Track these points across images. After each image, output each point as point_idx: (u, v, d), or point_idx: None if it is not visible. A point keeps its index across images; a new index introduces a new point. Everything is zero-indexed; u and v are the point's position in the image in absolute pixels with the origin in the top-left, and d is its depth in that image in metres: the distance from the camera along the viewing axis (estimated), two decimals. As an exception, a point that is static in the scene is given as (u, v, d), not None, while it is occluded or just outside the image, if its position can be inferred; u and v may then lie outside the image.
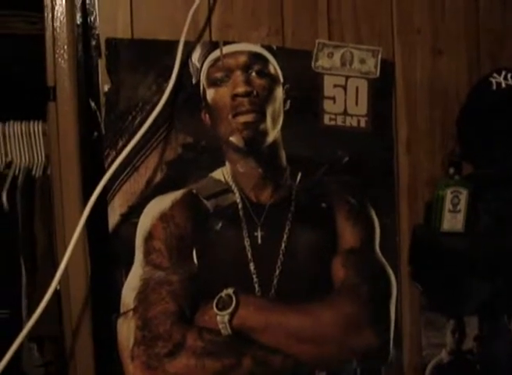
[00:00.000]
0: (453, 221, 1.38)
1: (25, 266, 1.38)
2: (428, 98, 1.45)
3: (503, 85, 1.38)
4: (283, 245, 1.34)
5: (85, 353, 1.28)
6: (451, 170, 1.39)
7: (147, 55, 1.26)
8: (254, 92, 1.31)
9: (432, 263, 1.41)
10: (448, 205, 1.37)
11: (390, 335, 1.41)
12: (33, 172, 1.41)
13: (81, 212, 1.18)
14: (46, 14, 1.24)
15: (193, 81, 1.30)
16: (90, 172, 1.23)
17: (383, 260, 1.42)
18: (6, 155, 1.51)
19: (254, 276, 1.32)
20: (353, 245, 1.40)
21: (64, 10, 1.23)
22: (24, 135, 1.49)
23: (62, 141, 1.24)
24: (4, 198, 1.38)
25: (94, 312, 1.26)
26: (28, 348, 1.38)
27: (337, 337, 1.35)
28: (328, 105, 1.38)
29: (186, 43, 1.28)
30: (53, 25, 1.23)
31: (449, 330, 1.46)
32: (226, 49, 1.32)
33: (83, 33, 1.23)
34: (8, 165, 1.50)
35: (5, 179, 1.43)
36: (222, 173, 1.33)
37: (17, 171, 1.47)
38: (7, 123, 1.50)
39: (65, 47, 1.22)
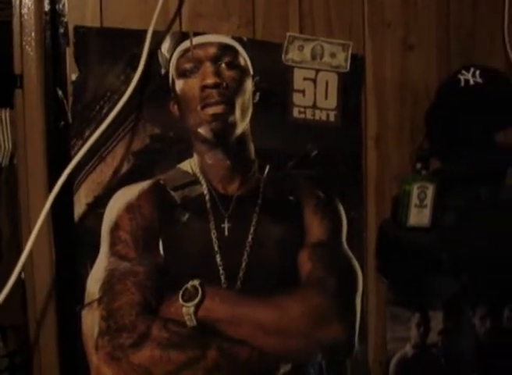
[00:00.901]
0: (419, 216, 1.39)
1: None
2: (398, 93, 1.46)
3: (471, 82, 1.39)
4: (250, 237, 1.33)
5: (49, 343, 1.27)
6: (418, 165, 1.40)
7: (116, 44, 1.24)
8: (224, 84, 1.30)
9: (397, 258, 1.43)
10: (414, 200, 1.38)
11: (356, 329, 1.41)
12: (0, 160, 1.40)
13: (46, 201, 1.19)
14: (14, 0, 1.23)
15: (162, 72, 1.29)
16: (56, 161, 1.21)
17: (350, 254, 1.42)
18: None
19: (221, 268, 1.31)
20: (320, 239, 1.39)
21: (31, -2, 1.22)
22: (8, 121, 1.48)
23: (28, 130, 1.22)
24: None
25: (59, 302, 1.24)
26: (-8, 337, 1.38)
27: (303, 329, 1.35)
28: (297, 98, 1.38)
29: (156, 33, 1.26)
30: (20, 12, 1.21)
31: (413, 324, 1.48)
32: (196, 40, 1.30)
33: (52, 20, 1.21)
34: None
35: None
36: (189, 165, 1.32)
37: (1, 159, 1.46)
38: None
39: (33, 34, 1.20)
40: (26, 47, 1.22)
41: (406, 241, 1.39)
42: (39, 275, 1.25)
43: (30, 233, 1.18)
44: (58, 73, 1.22)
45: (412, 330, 1.48)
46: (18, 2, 1.22)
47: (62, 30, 1.23)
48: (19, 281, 1.25)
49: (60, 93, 1.22)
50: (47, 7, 1.21)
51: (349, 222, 1.43)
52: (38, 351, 1.28)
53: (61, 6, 1.22)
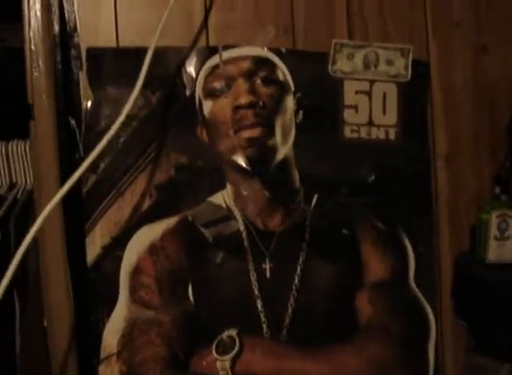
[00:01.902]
0: (500, 250, 1.16)
1: (18, 299, 1.28)
2: (472, 103, 1.23)
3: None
4: (297, 279, 1.15)
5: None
6: (497, 189, 1.17)
7: (134, 65, 1.08)
8: (260, 103, 1.13)
9: (478, 298, 1.20)
10: (494, 232, 1.15)
11: (429, 382, 1.22)
12: (15, 195, 1.31)
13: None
14: (24, 24, 1.13)
15: (187, 93, 1.14)
16: (71, 197, 1.10)
17: (419, 294, 1.21)
18: (10, 177, 1.43)
19: (262, 314, 1.14)
20: (382, 278, 1.19)
21: (40, 18, 1.10)
22: (28, 154, 1.40)
23: (42, 164, 1.12)
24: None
25: (79, 356, 1.13)
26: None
27: (363, 385, 1.17)
28: (349, 115, 1.19)
29: (179, 49, 1.13)
30: (29, 35, 1.11)
31: (502, 378, 1.25)
32: (226, 54, 1.15)
33: (62, 43, 1.10)
34: (12, 187, 1.41)
35: (3, 203, 1.34)
36: (222, 197, 1.16)
37: (19, 194, 1.38)
38: (10, 142, 1.41)
39: (41, 59, 1.09)
40: (35, 73, 1.11)
41: (485, 280, 1.17)
42: (58, 326, 1.13)
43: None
44: (71, 101, 1.11)
45: (500, 384, 1.25)
46: (27, 26, 1.12)
47: (73, 53, 1.11)
48: (43, 329, 1.16)
49: (73, 122, 1.10)
50: (56, 28, 1.11)
51: (417, 257, 1.21)
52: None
53: (72, 26, 1.11)
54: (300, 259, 1.17)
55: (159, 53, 1.11)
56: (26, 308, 1.27)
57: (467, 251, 1.23)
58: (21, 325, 1.28)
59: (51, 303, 1.12)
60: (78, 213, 1.10)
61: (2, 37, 1.45)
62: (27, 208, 1.31)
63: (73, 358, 1.12)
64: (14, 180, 1.40)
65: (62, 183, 1.10)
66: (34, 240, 1.21)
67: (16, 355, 1.28)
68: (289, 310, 1.15)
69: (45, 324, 1.14)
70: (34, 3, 1.10)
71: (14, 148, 1.38)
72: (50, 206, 0.95)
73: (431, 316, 1.22)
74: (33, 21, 1.10)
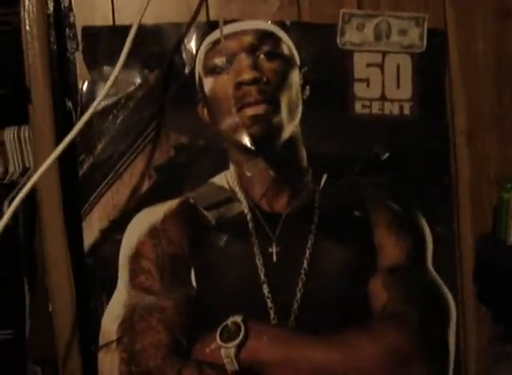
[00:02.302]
0: (522, 232, 1.08)
1: (28, 284, 1.27)
2: (494, 74, 1.15)
3: None
4: (305, 263, 1.10)
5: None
6: (520, 166, 1.09)
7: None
8: (264, 78, 1.08)
9: (500, 284, 1.12)
10: (516, 212, 1.07)
11: (449, 373, 1.14)
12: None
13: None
14: (20, 5, 1.09)
15: (187, 70, 1.09)
16: (68, 181, 1.08)
17: (438, 279, 1.14)
18: (23, 161, 1.42)
19: (269, 300, 1.09)
20: (398, 261, 1.13)
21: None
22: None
23: (40, 146, 1.08)
24: (5, 209, 1.28)
25: (81, 342, 1.10)
26: (33, 371, 1.28)
27: (378, 374, 1.11)
28: (360, 89, 1.12)
29: (178, 25, 1.08)
30: (24, 16, 1.08)
31: (529, 367, 1.16)
32: (227, 29, 1.09)
33: (57, 22, 1.06)
34: (25, 171, 1.40)
35: (15, 188, 1.34)
36: (225, 178, 1.11)
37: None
38: (22, 128, 1.40)
39: (36, 40, 1.07)
40: (31, 55, 1.08)
41: (507, 262, 1.09)
42: (61, 311, 1.10)
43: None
44: (67, 82, 1.08)
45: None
46: (22, 6, 1.10)
47: (69, 32, 1.08)
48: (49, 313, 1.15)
49: (69, 104, 1.07)
50: (50, 7, 1.07)
51: (435, 239, 1.14)
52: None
53: (66, 5, 1.08)
54: (309, 243, 1.11)
55: (156, 30, 1.08)
56: (35, 294, 1.27)
57: (489, 232, 1.16)
58: (30, 309, 1.28)
59: (53, 289, 1.09)
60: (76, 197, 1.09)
61: (8, 20, 1.43)
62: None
63: (76, 343, 1.10)
64: (27, 165, 1.40)
65: (60, 165, 1.08)
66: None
67: (26, 338, 1.28)
68: (298, 295, 1.10)
69: (50, 309, 1.13)
70: (29, -18, 1.08)
71: (26, 133, 1.37)
72: (45, 165, 0.95)
73: (451, 303, 1.14)
74: (27, 1, 1.08)
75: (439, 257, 1.14)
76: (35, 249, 1.27)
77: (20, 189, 1.27)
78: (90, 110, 0.95)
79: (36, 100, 1.08)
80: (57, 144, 1.05)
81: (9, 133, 1.39)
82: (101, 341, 1.07)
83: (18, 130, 1.39)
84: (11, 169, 1.40)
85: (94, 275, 1.07)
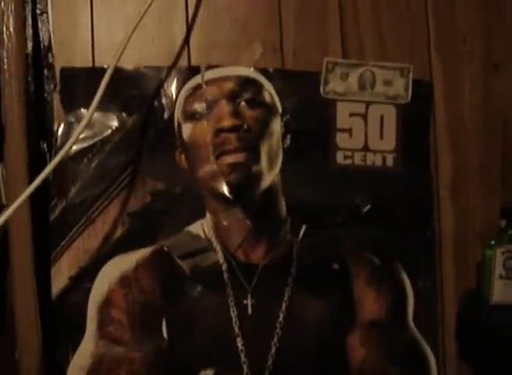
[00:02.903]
0: (506, 290, 1.04)
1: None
2: (481, 128, 1.13)
3: None
4: (281, 316, 1.06)
5: None
6: (503, 223, 1.05)
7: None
8: (245, 126, 1.05)
9: (483, 342, 1.09)
10: (499, 270, 1.04)
11: None
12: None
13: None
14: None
15: (166, 115, 1.06)
16: (40, 225, 1.05)
17: (418, 335, 1.10)
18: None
19: (243, 354, 1.05)
20: (377, 317, 1.09)
21: (13, 36, 1.05)
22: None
23: (13, 186, 1.04)
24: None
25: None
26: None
27: None
28: (342, 139, 1.10)
29: (159, 69, 1.06)
30: (2, 53, 1.06)
31: None
32: (209, 75, 1.07)
33: (35, 62, 1.05)
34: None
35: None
36: (201, 227, 1.07)
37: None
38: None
39: (13, 79, 1.04)
40: (8, 94, 1.06)
41: (490, 323, 1.06)
42: (27, 360, 1.04)
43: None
44: (43, 123, 1.05)
45: None
46: (1, 44, 1.08)
47: (47, 73, 1.06)
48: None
49: (44, 146, 1.05)
50: (29, 47, 1.06)
51: (416, 293, 1.10)
52: None
53: (46, 45, 1.06)
54: (286, 295, 1.07)
55: (136, 74, 1.06)
56: (2, 338, 1.24)
57: (473, 289, 1.13)
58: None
59: (21, 335, 1.05)
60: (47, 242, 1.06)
61: None
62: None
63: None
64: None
65: (32, 206, 1.06)
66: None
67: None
68: (273, 350, 1.06)
69: (16, 356, 1.09)
70: (8, 19, 1.06)
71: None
72: (18, 202, 0.92)
73: (432, 360, 1.11)
74: (6, 39, 1.06)
75: (420, 312, 1.11)
76: (5, 294, 1.23)
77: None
78: (64, 150, 0.92)
79: (10, 139, 1.05)
80: (30, 184, 1.04)
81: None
82: (65, 393, 1.04)
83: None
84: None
85: (61, 323, 1.03)
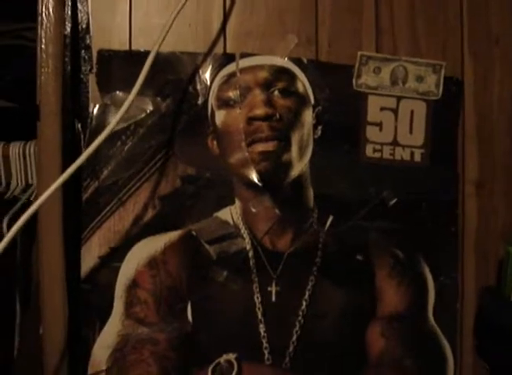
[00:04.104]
0: (527, 289, 1.06)
1: (20, 303, 1.25)
2: (509, 127, 1.14)
3: None
4: (304, 305, 1.08)
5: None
6: (527, 221, 1.07)
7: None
8: (277, 115, 1.06)
9: (501, 340, 1.10)
10: (521, 268, 1.06)
11: None
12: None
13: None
14: (38, 23, 1.09)
15: (200, 101, 1.08)
16: (71, 205, 1.06)
17: (438, 331, 1.11)
18: (26, 178, 1.40)
19: (264, 340, 1.06)
20: (398, 310, 1.10)
21: (52, 17, 1.07)
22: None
23: (45, 166, 1.06)
24: (4, 226, 1.26)
25: (71, 370, 1.08)
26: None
27: (371, 425, 1.09)
28: (372, 132, 1.11)
29: (194, 55, 1.07)
30: (41, 34, 1.07)
31: None
32: (243, 63, 1.08)
33: (73, 44, 1.06)
34: (27, 188, 1.38)
35: (15, 204, 1.31)
36: (229, 213, 1.09)
37: (33, 195, 1.35)
38: (28, 143, 1.38)
39: (50, 59, 1.06)
40: (44, 73, 1.07)
41: (509, 318, 1.07)
42: (52, 336, 1.06)
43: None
44: (78, 103, 1.07)
45: None
46: (40, 24, 1.09)
47: (84, 55, 1.07)
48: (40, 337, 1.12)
49: (78, 126, 1.06)
50: (67, 28, 1.07)
51: (437, 289, 1.12)
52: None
53: (84, 27, 1.07)
54: (310, 284, 1.08)
55: (173, 59, 1.07)
56: (26, 313, 1.25)
57: (493, 286, 1.14)
58: (20, 329, 1.25)
59: (46, 311, 1.07)
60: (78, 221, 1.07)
61: (24, 35, 1.42)
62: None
63: (64, 370, 1.07)
64: (30, 182, 1.38)
65: (63, 187, 1.06)
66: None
67: (13, 358, 1.25)
68: (294, 337, 1.07)
69: (41, 332, 1.10)
70: (48, 1, 1.08)
71: (32, 149, 1.35)
72: (50, 191, 0.92)
73: (449, 355, 1.12)
74: (45, 19, 1.07)
75: (440, 307, 1.12)
76: (30, 269, 1.24)
77: (21, 208, 1.28)
78: (101, 138, 0.93)
79: (44, 118, 1.06)
80: (63, 163, 1.05)
81: (15, 148, 1.37)
82: (90, 369, 1.04)
83: (24, 145, 1.37)
84: (13, 184, 1.38)
85: (89, 302, 1.05)
